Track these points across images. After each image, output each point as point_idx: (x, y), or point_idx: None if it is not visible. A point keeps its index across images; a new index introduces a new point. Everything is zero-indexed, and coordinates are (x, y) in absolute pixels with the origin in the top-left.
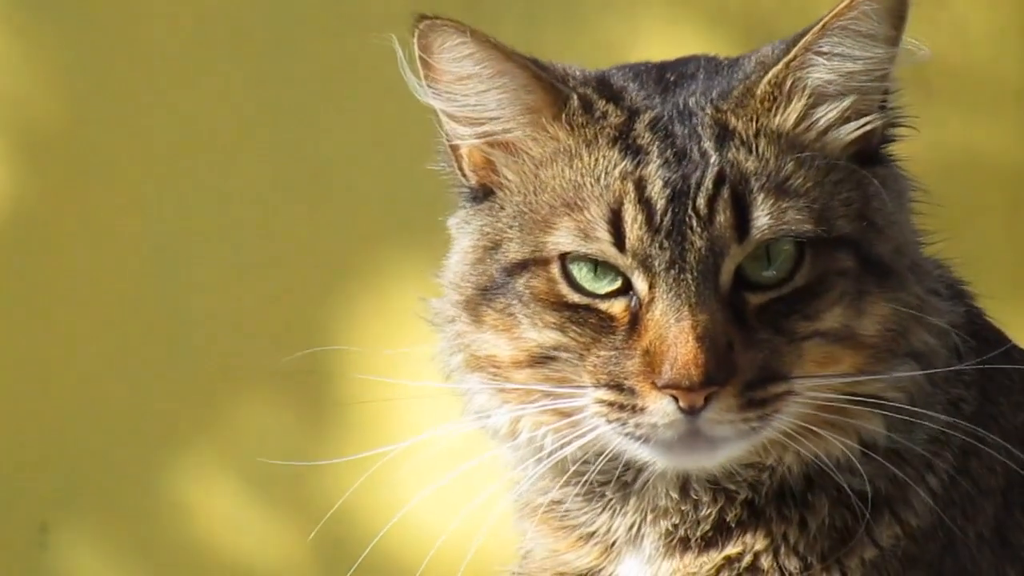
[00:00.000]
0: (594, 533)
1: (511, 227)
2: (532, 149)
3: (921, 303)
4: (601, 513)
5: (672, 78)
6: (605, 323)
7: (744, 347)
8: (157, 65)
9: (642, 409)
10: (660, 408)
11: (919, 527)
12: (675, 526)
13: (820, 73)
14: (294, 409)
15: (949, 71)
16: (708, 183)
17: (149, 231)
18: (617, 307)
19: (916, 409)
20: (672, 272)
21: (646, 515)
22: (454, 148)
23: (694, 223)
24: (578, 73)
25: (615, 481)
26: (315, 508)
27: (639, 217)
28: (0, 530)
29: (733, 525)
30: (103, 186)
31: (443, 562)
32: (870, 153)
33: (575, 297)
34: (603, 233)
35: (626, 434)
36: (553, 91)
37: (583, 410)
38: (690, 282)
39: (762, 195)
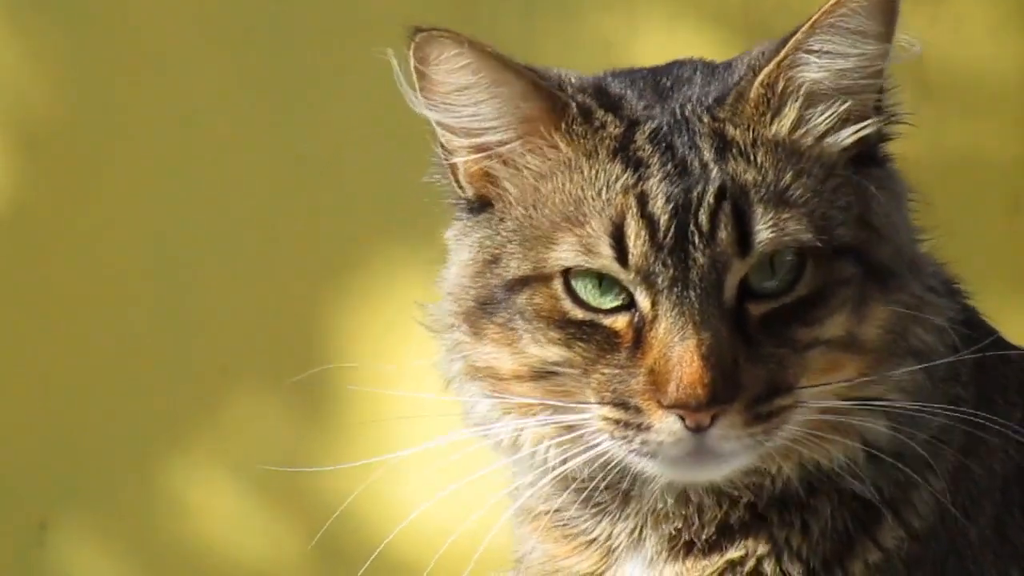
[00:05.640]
0: (595, 540)
1: (511, 241)
2: (531, 162)
3: (919, 302)
4: (601, 520)
5: (668, 83)
6: (609, 339)
7: (749, 362)
8: (157, 65)
9: (648, 427)
10: (666, 427)
11: (922, 528)
12: (678, 530)
13: (812, 72)
14: (294, 408)
15: (948, 70)
16: (709, 198)
17: (149, 231)
18: (621, 322)
19: (917, 406)
20: (676, 290)
21: (647, 519)
22: (451, 163)
23: (696, 239)
24: (575, 80)
25: (613, 488)
26: (315, 507)
27: (642, 233)
28: (0, 528)
29: (736, 527)
30: (103, 186)
31: (446, 565)
32: (867, 155)
33: (579, 313)
34: (606, 248)
35: (632, 451)
36: (551, 99)
37: (587, 425)
38: (694, 300)
39: (762, 208)
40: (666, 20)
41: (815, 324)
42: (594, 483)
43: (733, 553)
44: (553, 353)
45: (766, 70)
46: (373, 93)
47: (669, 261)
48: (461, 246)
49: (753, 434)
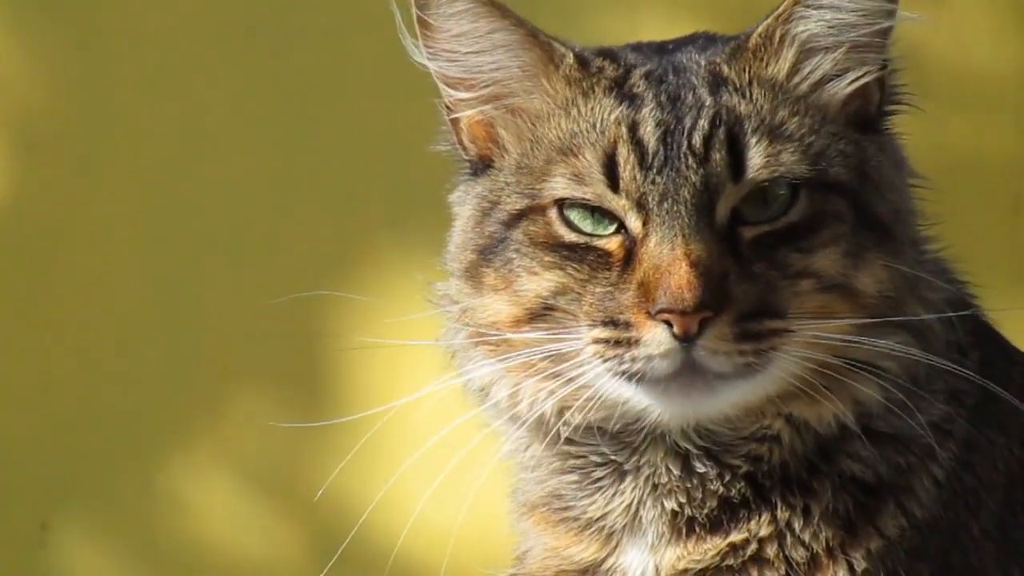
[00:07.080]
0: (592, 521)
1: (508, 184)
2: (529, 107)
3: (917, 277)
4: (596, 497)
5: (670, 46)
6: (601, 260)
7: (739, 278)
8: (157, 65)
9: (636, 341)
10: (654, 337)
11: (924, 518)
12: (681, 505)
13: (809, 25)
14: (293, 408)
15: (949, 71)
16: (703, 123)
17: (149, 231)
18: (613, 243)
19: (911, 395)
20: (665, 204)
21: (644, 495)
22: (453, 121)
23: (690, 160)
24: (571, 43)
25: (609, 463)
26: (313, 505)
27: (631, 157)
28: (0, 528)
29: (738, 501)
30: (103, 186)
31: (433, 548)
32: (868, 120)
33: (572, 236)
34: (597, 175)
35: (622, 372)
36: (549, 49)
37: (580, 353)
38: (683, 214)
39: (756, 137)
40: (666, 21)
41: (806, 252)
42: (587, 443)
43: (735, 536)
44: (548, 280)
45: (764, 23)
46: (373, 94)
47: (658, 180)
48: (463, 206)
49: (743, 352)
